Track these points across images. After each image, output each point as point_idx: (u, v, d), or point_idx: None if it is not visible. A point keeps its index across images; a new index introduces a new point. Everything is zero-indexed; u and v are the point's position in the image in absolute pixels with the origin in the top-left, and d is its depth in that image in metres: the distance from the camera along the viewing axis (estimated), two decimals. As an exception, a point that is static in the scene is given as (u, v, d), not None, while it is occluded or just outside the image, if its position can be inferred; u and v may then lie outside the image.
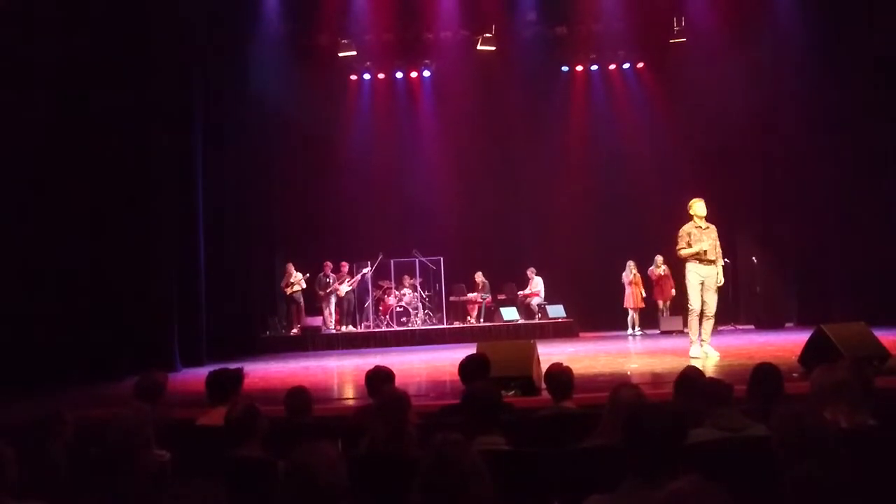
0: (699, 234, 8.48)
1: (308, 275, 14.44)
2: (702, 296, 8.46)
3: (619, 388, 3.32)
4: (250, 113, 13.20)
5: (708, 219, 8.65)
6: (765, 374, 3.96)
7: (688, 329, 8.93)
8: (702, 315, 8.51)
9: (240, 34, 12.96)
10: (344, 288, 14.61)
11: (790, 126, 13.69)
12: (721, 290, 13.99)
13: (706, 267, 8.45)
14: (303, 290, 14.39)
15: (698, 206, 8.59)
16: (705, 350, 8.54)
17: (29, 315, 8.86)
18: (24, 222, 9.14)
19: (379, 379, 4.49)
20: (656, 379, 7.29)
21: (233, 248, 12.59)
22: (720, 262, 8.61)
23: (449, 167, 15.66)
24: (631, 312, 14.11)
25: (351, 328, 14.70)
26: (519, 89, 15.46)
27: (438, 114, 16.12)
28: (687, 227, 8.58)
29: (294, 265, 14.38)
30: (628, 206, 15.40)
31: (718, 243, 8.59)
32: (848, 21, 12.32)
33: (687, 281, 8.62)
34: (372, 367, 4.70)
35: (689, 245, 8.47)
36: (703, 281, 8.45)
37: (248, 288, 13.23)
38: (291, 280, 14.31)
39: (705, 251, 8.40)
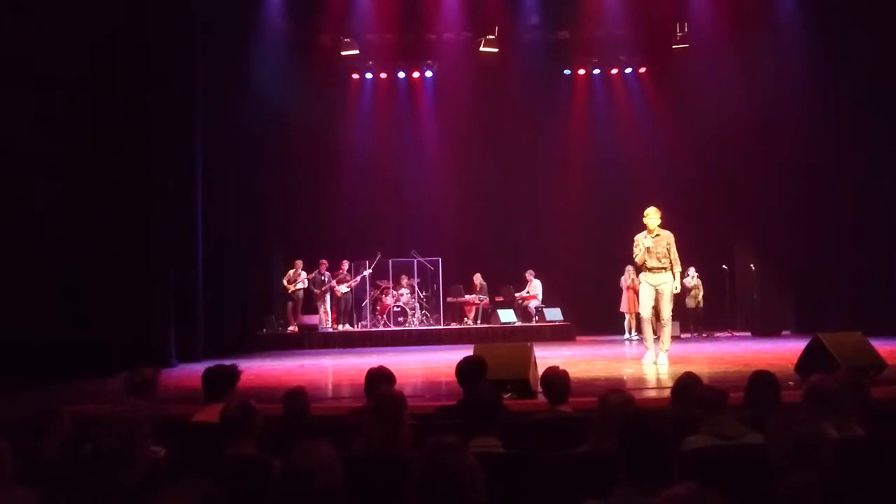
0: (641, 242, 8.61)
1: (312, 275, 14.43)
2: (654, 303, 8.64)
3: (607, 394, 3.33)
4: (251, 110, 13.19)
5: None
6: (761, 382, 3.96)
7: (642, 335, 9.41)
8: (658, 322, 8.69)
9: (242, 32, 12.96)
10: (342, 289, 14.61)
11: (790, 134, 13.69)
12: (718, 298, 13.97)
13: (655, 275, 8.59)
14: (304, 288, 14.37)
15: (648, 216, 8.69)
16: (660, 358, 8.61)
17: (25, 310, 8.84)
18: (22, 219, 9.12)
19: (378, 379, 4.46)
20: (651, 384, 7.29)
21: (231, 245, 12.58)
22: (676, 270, 8.68)
23: (449, 168, 15.68)
24: (627, 317, 14.11)
25: (348, 327, 14.69)
26: (520, 92, 15.47)
27: (439, 115, 16.14)
28: (637, 236, 8.75)
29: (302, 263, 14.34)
30: (628, 211, 15.34)
31: (673, 250, 8.63)
32: (849, 28, 12.33)
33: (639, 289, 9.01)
34: (375, 366, 4.64)
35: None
36: (656, 289, 8.60)
37: (245, 285, 13.22)
38: (297, 278, 14.26)
39: (644, 260, 8.57)
